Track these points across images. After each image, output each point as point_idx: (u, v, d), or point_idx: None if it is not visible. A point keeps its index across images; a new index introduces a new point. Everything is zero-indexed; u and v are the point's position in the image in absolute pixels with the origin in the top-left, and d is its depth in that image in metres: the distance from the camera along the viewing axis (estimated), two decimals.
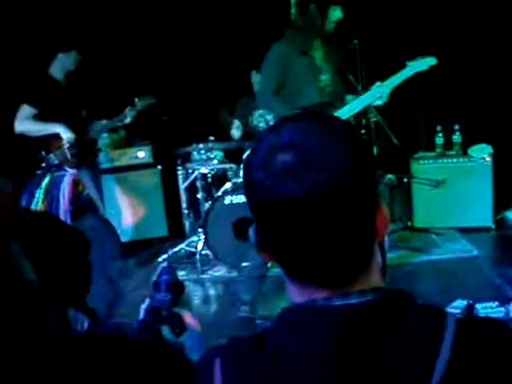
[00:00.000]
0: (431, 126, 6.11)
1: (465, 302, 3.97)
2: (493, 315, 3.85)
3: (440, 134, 6.00)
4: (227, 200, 5.13)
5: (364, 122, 5.09)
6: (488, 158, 5.78)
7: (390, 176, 5.85)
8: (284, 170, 0.89)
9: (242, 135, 5.99)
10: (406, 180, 5.96)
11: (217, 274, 5.28)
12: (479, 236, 5.61)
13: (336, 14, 4.05)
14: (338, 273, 0.95)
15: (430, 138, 6.16)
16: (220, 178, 5.63)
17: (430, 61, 4.15)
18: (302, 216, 0.89)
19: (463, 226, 5.74)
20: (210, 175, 5.65)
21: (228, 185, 5.32)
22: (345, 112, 4.23)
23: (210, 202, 5.32)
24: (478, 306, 3.94)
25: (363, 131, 5.17)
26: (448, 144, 5.97)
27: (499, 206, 6.03)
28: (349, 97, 4.34)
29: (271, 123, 5.64)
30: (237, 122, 5.99)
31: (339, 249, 0.92)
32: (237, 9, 6.34)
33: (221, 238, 5.07)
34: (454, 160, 5.85)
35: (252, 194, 0.95)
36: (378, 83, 4.20)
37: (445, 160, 5.91)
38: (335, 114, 4.12)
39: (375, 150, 5.06)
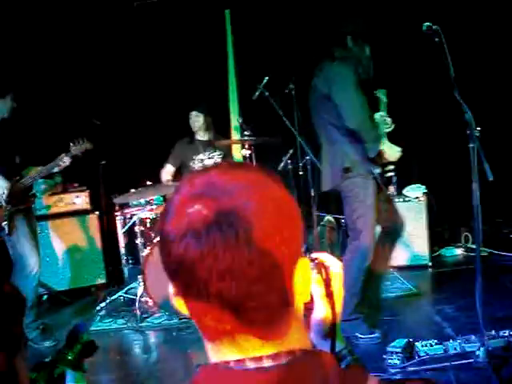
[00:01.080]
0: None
1: (404, 341, 4.01)
2: (432, 352, 3.90)
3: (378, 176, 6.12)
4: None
5: (301, 163, 5.17)
6: (422, 198, 5.94)
7: (328, 217, 5.93)
8: (189, 223, 0.86)
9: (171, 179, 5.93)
10: (343, 221, 6.04)
11: (157, 321, 5.18)
12: (417, 274, 5.72)
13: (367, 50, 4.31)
14: (252, 326, 0.90)
15: None
16: (157, 224, 5.55)
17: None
18: (207, 272, 0.85)
19: (401, 264, 5.83)
20: (149, 220, 5.58)
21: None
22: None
23: (149, 248, 5.25)
24: (418, 344, 3.99)
25: (301, 173, 5.26)
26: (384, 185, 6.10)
27: (435, 243, 6.20)
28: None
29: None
30: (168, 166, 5.94)
31: (250, 308, 0.87)
32: (173, 52, 6.39)
33: (161, 285, 4.99)
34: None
35: (161, 248, 0.91)
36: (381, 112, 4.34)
37: None
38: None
39: (312, 192, 5.11)
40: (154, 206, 5.55)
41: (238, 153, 6.14)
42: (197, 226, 0.85)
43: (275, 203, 0.89)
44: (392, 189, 5.88)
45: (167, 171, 5.90)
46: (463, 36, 5.75)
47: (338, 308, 1.13)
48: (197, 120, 5.87)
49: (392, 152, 4.35)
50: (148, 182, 5.57)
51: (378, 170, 4.34)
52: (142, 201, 5.56)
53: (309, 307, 1.11)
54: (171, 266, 0.89)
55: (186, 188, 0.91)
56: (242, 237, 0.85)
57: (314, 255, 1.14)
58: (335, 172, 4.34)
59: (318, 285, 1.11)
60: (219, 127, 6.20)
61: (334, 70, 4.26)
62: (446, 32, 3.69)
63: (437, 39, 3.72)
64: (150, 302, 5.15)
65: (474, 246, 6.18)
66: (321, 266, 1.12)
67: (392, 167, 4.52)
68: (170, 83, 6.38)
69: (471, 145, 3.65)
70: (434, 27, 3.75)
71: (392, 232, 4.56)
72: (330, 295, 1.11)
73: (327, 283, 1.12)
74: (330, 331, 1.14)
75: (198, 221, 0.85)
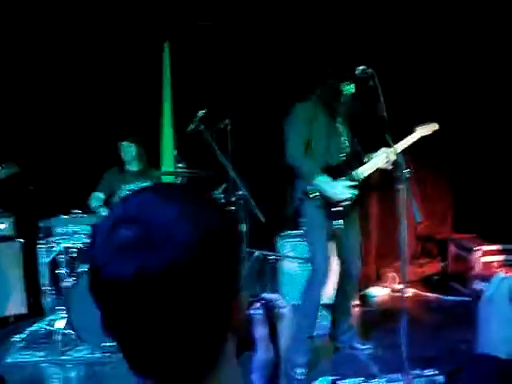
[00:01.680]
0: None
1: (329, 379, 4.01)
2: None
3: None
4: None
5: (233, 198, 5.16)
6: None
7: (257, 253, 5.92)
8: (118, 247, 0.83)
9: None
10: (272, 257, 6.06)
11: (79, 354, 5.00)
12: None
13: (349, 88, 4.32)
14: (178, 372, 0.86)
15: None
16: (85, 252, 5.41)
17: (434, 126, 4.44)
18: (133, 300, 0.81)
19: (329, 303, 5.85)
20: (74, 249, 5.42)
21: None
22: (364, 171, 4.43)
23: (73, 278, 5.09)
24: (341, 382, 4.00)
25: (232, 208, 5.24)
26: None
27: (362, 283, 6.28)
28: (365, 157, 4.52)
29: None
30: (97, 194, 5.83)
31: (177, 342, 0.83)
32: (108, 80, 6.33)
33: (84, 317, 4.82)
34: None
35: (90, 269, 0.88)
36: (384, 148, 4.36)
37: None
38: (355, 173, 4.41)
39: (244, 227, 5.11)
40: (80, 235, 5.40)
41: None
42: (126, 248, 0.82)
43: (211, 233, 0.86)
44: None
45: (97, 198, 5.78)
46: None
47: (283, 350, 1.11)
48: (128, 150, 5.80)
49: (381, 159, 4.42)
50: (76, 211, 5.43)
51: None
52: (69, 229, 5.41)
53: (252, 348, 1.08)
54: (100, 292, 0.86)
55: (118, 210, 0.88)
56: (168, 262, 0.81)
57: (262, 295, 1.12)
58: (294, 199, 4.55)
59: (263, 325, 1.09)
60: (152, 158, 6.15)
61: (292, 109, 4.45)
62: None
63: (371, 82, 3.83)
64: (73, 335, 4.97)
65: (399, 286, 6.33)
66: (266, 307, 1.10)
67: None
68: (103, 112, 6.30)
69: (400, 186, 3.75)
70: (368, 71, 3.86)
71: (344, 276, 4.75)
72: (274, 337, 1.09)
73: (272, 324, 1.10)
74: (273, 374, 1.11)
75: (127, 244, 0.82)
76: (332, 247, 4.62)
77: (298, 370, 4.34)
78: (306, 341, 4.46)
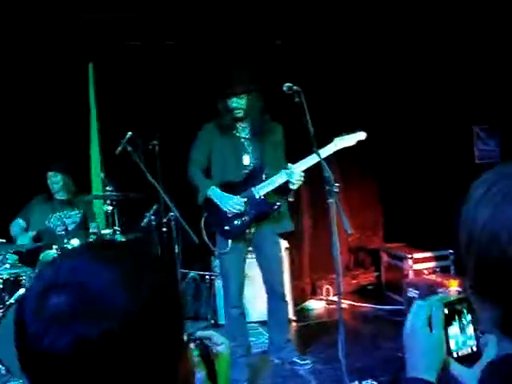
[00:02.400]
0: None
1: None
2: None
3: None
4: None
5: (164, 220, 5.10)
6: (283, 252, 6.04)
7: (193, 274, 5.87)
8: (52, 317, 0.79)
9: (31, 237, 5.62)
10: (207, 277, 6.01)
11: None
12: None
13: (232, 102, 4.43)
14: None
15: None
16: (12, 283, 5.21)
17: (360, 136, 4.30)
18: (70, 372, 0.78)
19: (265, 319, 5.85)
20: (0, 281, 5.21)
21: (22, 291, 4.95)
22: (262, 188, 4.43)
23: (1, 311, 4.89)
24: None
25: (164, 229, 5.19)
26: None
27: (297, 297, 6.31)
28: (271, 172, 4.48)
29: (69, 228, 5.42)
30: (19, 221, 5.65)
31: None
32: (33, 103, 6.17)
33: (14, 350, 4.64)
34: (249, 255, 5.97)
35: (19, 339, 0.83)
36: (289, 165, 4.33)
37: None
38: (253, 189, 4.41)
39: (177, 249, 5.05)
40: (6, 266, 5.20)
41: (100, 208, 5.96)
42: (61, 318, 0.78)
43: (152, 296, 0.83)
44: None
45: (17, 224, 5.60)
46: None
47: None
48: (55, 181, 5.64)
49: (279, 178, 4.41)
50: (1, 240, 5.23)
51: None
52: None
53: None
54: (33, 364, 0.81)
55: (48, 275, 0.83)
56: (105, 330, 0.78)
57: (196, 334, 1.08)
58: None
59: (201, 367, 1.05)
60: (80, 182, 6.01)
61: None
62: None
63: (297, 99, 3.86)
64: (3, 370, 4.77)
65: (334, 299, 6.39)
66: (201, 347, 1.07)
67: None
68: (29, 137, 6.12)
69: (330, 200, 3.79)
70: (294, 87, 3.90)
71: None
72: (212, 378, 1.05)
73: (209, 364, 1.07)
74: None
75: (60, 314, 0.78)
76: (243, 261, 4.65)
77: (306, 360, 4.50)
78: (239, 360, 4.51)
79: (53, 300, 0.79)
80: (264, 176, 4.47)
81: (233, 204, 4.40)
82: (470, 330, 1.21)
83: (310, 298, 6.71)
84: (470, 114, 6.57)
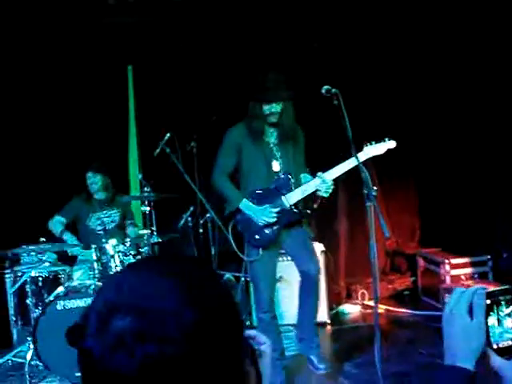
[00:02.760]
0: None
1: None
2: None
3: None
4: (59, 305, 4.83)
5: (201, 221, 5.13)
6: (320, 256, 6.03)
7: (228, 276, 5.89)
8: (117, 340, 0.79)
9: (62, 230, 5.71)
10: (243, 279, 6.02)
11: None
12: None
13: (270, 108, 4.29)
14: None
15: None
16: (52, 281, 5.31)
17: (390, 144, 4.21)
18: None
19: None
20: (40, 279, 5.31)
21: (60, 289, 5.03)
22: (292, 196, 4.34)
23: (40, 308, 4.98)
24: None
25: (201, 230, 5.22)
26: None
27: (333, 301, 6.29)
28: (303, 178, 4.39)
29: (108, 227, 5.47)
30: (58, 218, 5.73)
31: None
32: (74, 106, 6.27)
33: (52, 347, 4.71)
34: (285, 258, 5.97)
35: (82, 359, 0.83)
36: (319, 174, 4.21)
37: (279, 258, 6.05)
38: (284, 198, 4.33)
39: (213, 250, 5.07)
40: (46, 264, 5.30)
41: (138, 209, 6.03)
42: (126, 341, 0.78)
43: (213, 318, 0.83)
44: None
45: (58, 222, 5.69)
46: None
47: None
48: (94, 181, 5.72)
49: (310, 186, 4.31)
50: (42, 239, 5.33)
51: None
52: (34, 258, 5.31)
53: None
54: (95, 379, 0.81)
55: (110, 294, 0.83)
56: (169, 354, 0.79)
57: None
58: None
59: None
60: (119, 183, 6.09)
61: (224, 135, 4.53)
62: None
63: (335, 102, 3.85)
64: (41, 366, 4.85)
65: (370, 303, 6.34)
66: (247, 346, 1.07)
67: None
68: (69, 138, 6.23)
69: (368, 203, 3.76)
70: (332, 90, 3.88)
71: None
72: (258, 378, 1.06)
73: (254, 365, 1.07)
74: None
75: (125, 336, 0.78)
76: (274, 270, 4.56)
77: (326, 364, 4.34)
78: (275, 363, 4.45)
79: (117, 322, 0.80)
80: (292, 183, 4.39)
81: (266, 217, 4.33)
82: (509, 322, 1.18)
83: (345, 302, 6.67)
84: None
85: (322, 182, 4.20)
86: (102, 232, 5.30)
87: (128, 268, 0.89)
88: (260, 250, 4.39)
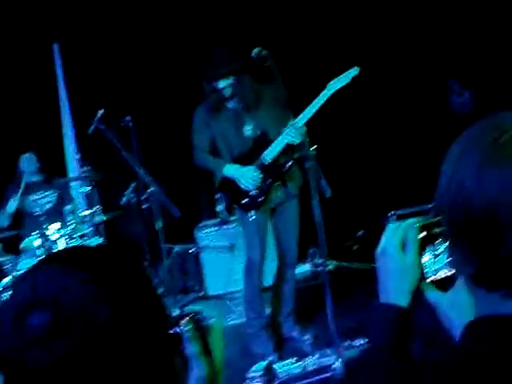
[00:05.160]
0: (211, 194, 6.25)
1: (264, 364, 4.03)
2: (292, 372, 3.95)
3: (221, 201, 6.13)
4: (7, 296, 4.72)
5: (144, 196, 5.05)
6: None
7: (177, 248, 5.86)
8: (33, 337, 0.77)
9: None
10: (193, 250, 6.00)
11: None
12: (268, 294, 5.74)
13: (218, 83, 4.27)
14: None
15: (211, 206, 6.29)
16: None
17: (353, 72, 4.19)
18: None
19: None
20: None
21: (6, 279, 4.92)
22: (269, 153, 4.31)
23: None
24: (277, 365, 4.03)
25: (145, 205, 5.14)
26: (229, 209, 6.12)
27: None
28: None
29: (45, 208, 5.35)
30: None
31: None
32: None
33: None
34: (236, 224, 5.97)
35: (2, 362, 0.81)
36: (292, 121, 4.13)
37: (228, 226, 6.06)
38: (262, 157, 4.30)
39: (159, 224, 5.01)
40: None
41: (78, 191, 5.89)
42: (42, 338, 0.76)
43: (131, 305, 0.82)
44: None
45: (6, 215, 5.52)
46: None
47: (219, 364, 1.06)
48: (31, 162, 5.56)
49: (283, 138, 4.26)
50: None
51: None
52: None
53: (187, 367, 1.03)
54: (12, 372, 0.79)
55: (25, 289, 0.81)
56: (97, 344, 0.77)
57: (187, 309, 1.07)
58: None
59: (194, 341, 1.04)
60: (55, 165, 5.93)
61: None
62: None
63: (267, 63, 3.81)
64: None
65: (320, 261, 6.40)
66: (193, 321, 1.05)
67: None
68: None
69: (307, 163, 3.77)
70: (263, 52, 3.85)
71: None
72: (207, 352, 1.03)
73: (202, 338, 1.05)
74: None
75: (42, 333, 0.76)
76: (265, 233, 4.54)
77: (270, 358, 4.29)
78: (260, 332, 4.51)
79: (33, 319, 0.78)
80: (271, 141, 4.36)
81: (251, 177, 4.28)
82: (445, 257, 1.15)
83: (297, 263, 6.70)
84: (443, 68, 6.55)
85: (291, 130, 4.14)
86: (41, 216, 5.19)
87: (42, 263, 0.86)
88: (251, 213, 4.36)
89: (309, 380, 3.83)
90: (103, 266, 0.85)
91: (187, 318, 1.05)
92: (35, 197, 5.56)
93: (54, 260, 0.88)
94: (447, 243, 1.13)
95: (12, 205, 5.45)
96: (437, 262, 1.15)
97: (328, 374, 3.81)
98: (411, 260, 1.14)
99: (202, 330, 1.06)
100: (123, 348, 0.79)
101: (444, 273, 1.15)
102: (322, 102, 4.13)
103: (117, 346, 0.78)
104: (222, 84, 4.29)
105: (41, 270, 0.84)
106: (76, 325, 0.77)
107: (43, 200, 5.58)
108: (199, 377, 1.04)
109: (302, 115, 4.18)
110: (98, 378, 0.77)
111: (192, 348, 1.03)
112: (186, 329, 1.03)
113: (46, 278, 0.81)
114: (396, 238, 1.15)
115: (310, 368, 3.94)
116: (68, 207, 5.71)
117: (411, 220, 1.17)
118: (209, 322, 1.09)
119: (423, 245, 1.15)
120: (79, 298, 0.79)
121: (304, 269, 6.54)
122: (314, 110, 4.15)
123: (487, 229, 0.85)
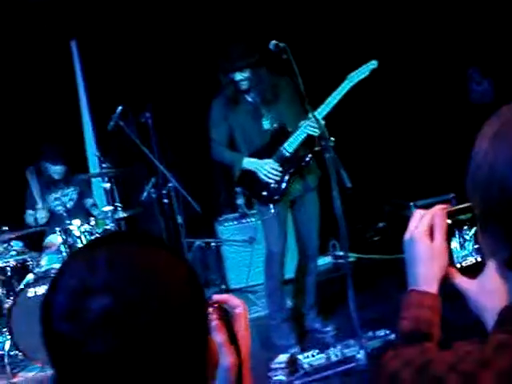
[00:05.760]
0: (231, 188, 6.27)
1: (287, 355, 4.03)
2: (315, 363, 3.95)
3: (240, 195, 6.16)
4: (31, 292, 4.78)
5: (164, 191, 5.08)
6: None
7: (198, 243, 5.88)
8: (96, 320, 0.77)
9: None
10: (214, 244, 6.02)
11: (30, 374, 4.85)
12: (289, 287, 5.75)
13: (236, 75, 4.25)
14: None
15: (231, 200, 6.32)
16: (21, 269, 5.23)
17: (371, 65, 4.21)
18: (116, 375, 0.78)
19: None
20: (9, 268, 5.22)
21: (30, 276, 4.98)
22: (289, 145, 4.31)
23: (12, 298, 4.91)
24: (301, 356, 4.03)
25: (165, 200, 5.16)
26: (249, 203, 6.15)
27: None
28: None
29: (68, 205, 5.39)
30: (30, 211, 5.59)
31: None
32: (18, 88, 6.09)
33: (29, 335, 4.67)
34: (256, 218, 5.96)
35: (54, 346, 0.82)
36: (312, 113, 4.10)
37: (248, 219, 6.08)
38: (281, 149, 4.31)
39: (180, 219, 5.03)
40: (13, 253, 5.21)
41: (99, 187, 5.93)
42: (105, 322, 0.77)
43: (180, 295, 0.84)
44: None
45: (31, 216, 5.54)
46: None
47: (245, 352, 1.07)
48: (55, 171, 5.54)
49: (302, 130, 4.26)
50: (4, 228, 5.22)
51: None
52: (0, 248, 5.21)
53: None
54: (67, 361, 0.80)
55: (82, 271, 0.80)
56: (146, 334, 0.79)
57: (213, 299, 1.08)
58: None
59: (220, 331, 1.04)
60: (76, 163, 5.97)
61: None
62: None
63: (284, 56, 3.81)
64: (20, 355, 4.82)
65: (341, 253, 6.39)
66: (219, 310, 1.06)
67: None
68: (17, 122, 6.04)
69: (327, 155, 3.76)
70: (280, 44, 3.84)
71: None
72: (233, 340, 1.04)
73: (228, 328, 1.06)
74: (237, 380, 1.05)
75: (105, 317, 0.77)
76: (285, 226, 4.52)
77: (292, 350, 4.28)
78: (282, 325, 4.51)
79: (93, 304, 0.78)
80: (290, 133, 4.34)
81: (271, 170, 4.27)
82: (473, 243, 1.15)
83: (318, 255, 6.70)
84: (464, 57, 6.49)
85: (312, 122, 4.12)
86: (64, 213, 5.22)
87: (98, 244, 0.86)
88: (271, 206, 4.35)
89: (332, 371, 3.83)
90: (156, 255, 0.87)
91: (213, 306, 1.06)
92: (57, 195, 5.59)
93: (111, 242, 0.88)
94: (474, 230, 1.13)
95: (49, 201, 5.47)
96: (463, 249, 1.15)
97: (352, 365, 3.82)
98: (439, 246, 1.13)
99: (227, 319, 1.06)
100: (171, 337, 0.81)
101: (471, 260, 1.15)
102: (342, 93, 4.14)
103: (169, 336, 0.80)
104: (238, 77, 4.28)
105: (97, 251, 0.84)
106: (135, 312, 0.78)
107: (66, 198, 5.61)
108: (226, 366, 1.05)
109: (322, 107, 4.18)
110: (149, 368, 0.79)
111: (218, 338, 1.03)
112: (211, 317, 1.03)
113: (103, 261, 0.81)
114: (423, 224, 1.14)
115: (334, 359, 3.94)
116: (89, 203, 5.75)
117: (438, 206, 1.16)
118: (235, 311, 1.10)
119: (450, 231, 1.14)
120: (137, 286, 0.80)
121: (325, 261, 6.55)
122: (334, 102, 4.16)
123: None
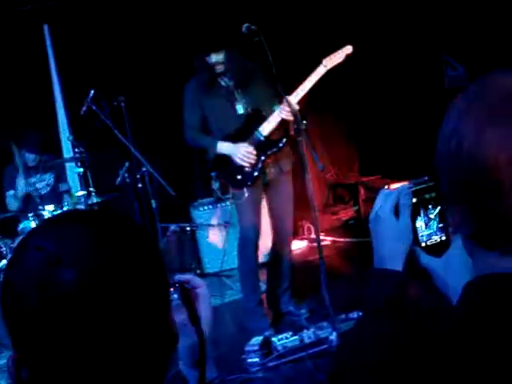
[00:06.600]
0: (206, 172, 6.26)
1: (261, 338, 4.06)
2: (289, 345, 3.99)
3: (215, 180, 6.14)
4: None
5: (138, 176, 5.06)
6: None
7: (173, 227, 5.87)
8: (62, 295, 0.79)
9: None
10: (189, 228, 6.02)
11: (4, 361, 4.82)
12: (265, 271, 5.79)
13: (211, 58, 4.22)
14: None
15: (206, 184, 6.30)
16: None
17: (346, 50, 4.21)
18: (77, 350, 0.80)
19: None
20: None
21: (3, 262, 4.94)
22: (263, 129, 4.29)
23: None
24: (275, 338, 4.07)
25: (139, 185, 5.15)
26: (224, 187, 6.14)
27: None
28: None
29: (43, 191, 5.34)
30: (10, 192, 5.54)
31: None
32: None
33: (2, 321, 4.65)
34: (231, 202, 5.97)
35: (16, 323, 0.83)
36: (286, 97, 4.09)
37: (223, 204, 6.08)
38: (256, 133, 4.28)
39: (154, 203, 5.03)
40: None
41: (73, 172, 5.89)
42: (71, 294, 0.78)
43: (139, 267, 0.84)
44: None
45: (11, 197, 5.49)
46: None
47: (207, 332, 1.08)
48: (30, 159, 5.47)
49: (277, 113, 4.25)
50: None
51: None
52: None
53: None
54: (38, 339, 0.81)
55: (48, 245, 0.81)
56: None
57: (175, 278, 1.08)
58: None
59: (181, 310, 1.05)
60: (51, 146, 5.91)
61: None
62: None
63: (256, 39, 3.80)
64: None
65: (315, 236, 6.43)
66: (181, 290, 1.06)
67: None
68: None
69: (299, 138, 3.78)
70: (252, 27, 3.83)
71: None
72: (194, 320, 1.05)
73: (190, 308, 1.06)
74: (198, 359, 1.07)
75: (67, 289, 0.78)
76: (259, 209, 4.53)
77: (267, 333, 4.29)
78: (256, 308, 4.53)
79: (59, 277, 0.79)
80: (264, 117, 4.32)
81: (246, 154, 4.26)
82: (437, 222, 1.16)
83: (292, 239, 6.73)
84: (438, 42, 6.52)
85: (286, 106, 4.11)
86: (37, 199, 5.18)
87: (58, 220, 0.87)
88: (245, 189, 4.35)
89: (306, 352, 3.87)
90: (117, 228, 0.87)
91: (175, 285, 1.06)
92: (34, 179, 5.54)
93: (73, 217, 0.89)
94: (438, 209, 1.15)
95: (22, 187, 5.40)
96: (428, 228, 1.16)
97: (324, 346, 3.86)
98: (404, 224, 1.14)
99: (189, 298, 1.07)
100: (133, 314, 0.82)
101: (436, 239, 1.16)
102: (316, 78, 4.14)
103: (128, 313, 0.81)
104: (213, 59, 4.25)
105: (61, 226, 0.85)
106: (97, 288, 0.79)
107: (43, 183, 5.55)
108: (187, 345, 1.06)
109: (297, 91, 4.17)
110: (108, 344, 0.80)
111: (179, 317, 1.04)
112: (173, 296, 1.04)
113: (70, 236, 0.82)
114: (389, 203, 1.16)
115: (307, 341, 3.98)
116: (63, 188, 5.70)
117: (403, 186, 1.17)
118: (196, 291, 1.10)
119: (415, 210, 1.15)
120: (101, 261, 0.81)
121: (300, 245, 6.58)
122: (309, 86, 4.15)
123: (488, 187, 0.85)
